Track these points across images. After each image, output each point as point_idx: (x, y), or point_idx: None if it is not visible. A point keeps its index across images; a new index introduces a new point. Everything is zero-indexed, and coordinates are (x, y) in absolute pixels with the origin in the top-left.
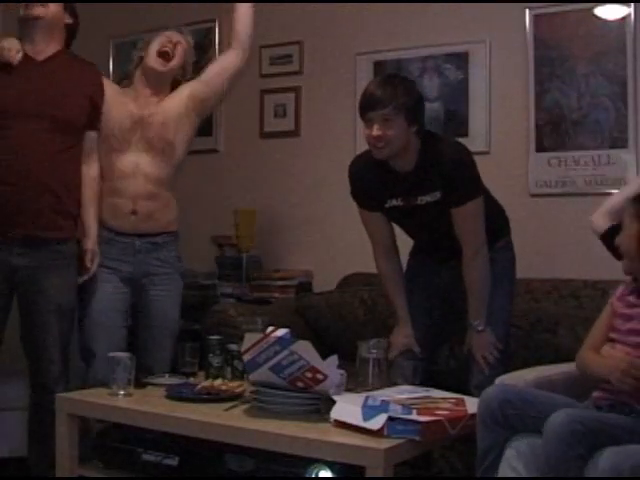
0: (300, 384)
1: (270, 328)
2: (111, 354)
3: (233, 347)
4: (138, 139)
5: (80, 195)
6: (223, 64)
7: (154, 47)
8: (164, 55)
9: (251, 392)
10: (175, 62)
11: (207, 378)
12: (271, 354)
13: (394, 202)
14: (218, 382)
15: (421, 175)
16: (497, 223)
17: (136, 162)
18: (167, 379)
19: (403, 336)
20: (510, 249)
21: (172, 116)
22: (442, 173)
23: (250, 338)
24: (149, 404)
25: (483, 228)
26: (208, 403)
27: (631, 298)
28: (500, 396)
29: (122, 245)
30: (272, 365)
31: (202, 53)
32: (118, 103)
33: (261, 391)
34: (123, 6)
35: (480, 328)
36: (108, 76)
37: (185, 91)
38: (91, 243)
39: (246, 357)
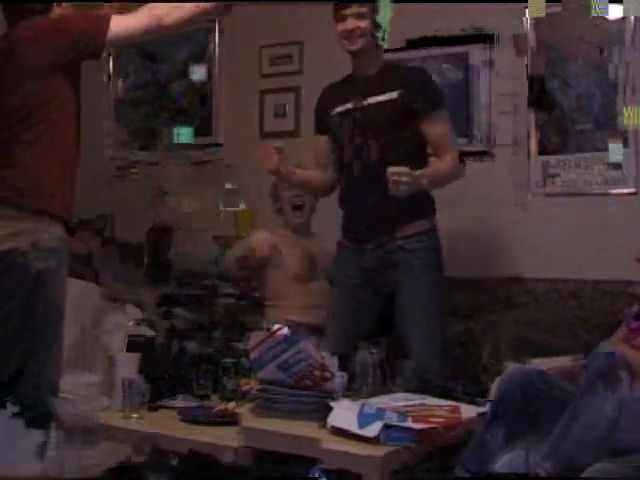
0: (308, 382)
1: (276, 326)
2: (124, 377)
3: (238, 345)
4: (315, 272)
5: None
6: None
7: (286, 203)
8: (297, 208)
9: (258, 390)
10: (308, 206)
11: (222, 401)
12: (278, 352)
13: (343, 107)
14: (232, 405)
15: (383, 78)
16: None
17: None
18: (180, 402)
19: None
20: (434, 237)
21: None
22: (407, 76)
23: (256, 336)
24: (163, 427)
25: (452, 140)
26: (222, 426)
27: None
28: (525, 375)
29: None
30: (279, 363)
31: (202, 53)
32: (293, 246)
33: (268, 389)
34: (123, 6)
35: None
36: (108, 78)
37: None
38: None
39: (253, 354)
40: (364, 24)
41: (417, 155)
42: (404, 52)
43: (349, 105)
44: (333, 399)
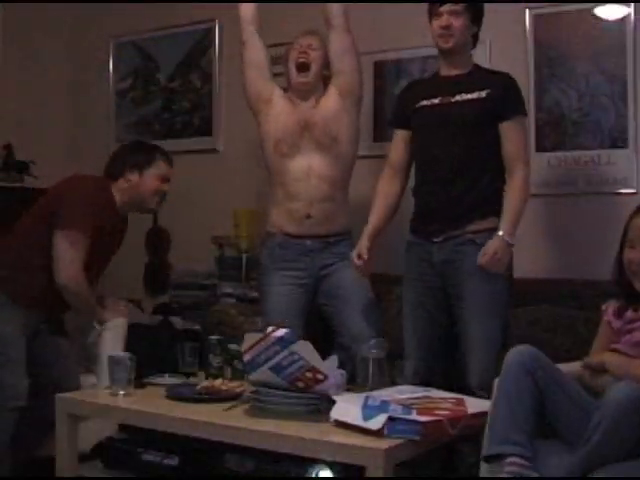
0: (300, 384)
1: (270, 328)
2: (111, 353)
3: (233, 347)
4: (307, 141)
5: None
6: (340, 46)
7: (292, 62)
8: (302, 68)
9: (251, 392)
10: (315, 68)
11: (207, 378)
12: (271, 354)
13: (429, 101)
14: (218, 382)
15: (472, 77)
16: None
17: (308, 164)
18: (167, 379)
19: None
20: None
21: (331, 113)
22: (497, 78)
23: (250, 338)
24: (149, 404)
25: (526, 150)
26: (208, 403)
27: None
28: (533, 351)
29: (296, 247)
30: (272, 365)
31: (201, 53)
32: (287, 109)
33: (261, 391)
34: (123, 6)
35: (505, 238)
36: (108, 76)
37: (333, 91)
38: None
39: (246, 357)
40: (458, 22)
41: (496, 159)
42: (404, 52)
43: (436, 100)
44: (329, 401)
